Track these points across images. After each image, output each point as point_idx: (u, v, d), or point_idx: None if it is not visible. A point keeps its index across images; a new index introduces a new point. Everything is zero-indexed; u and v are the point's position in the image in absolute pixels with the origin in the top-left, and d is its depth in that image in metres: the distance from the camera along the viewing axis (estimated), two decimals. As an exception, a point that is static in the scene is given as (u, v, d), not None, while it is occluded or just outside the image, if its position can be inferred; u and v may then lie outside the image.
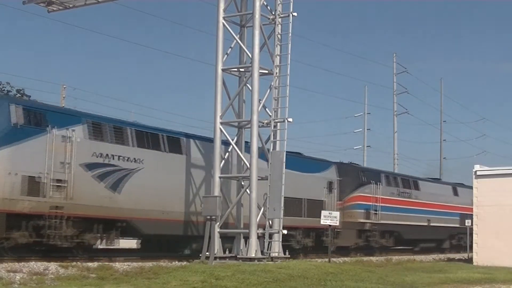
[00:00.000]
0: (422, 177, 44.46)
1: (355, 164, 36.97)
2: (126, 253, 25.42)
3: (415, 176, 43.32)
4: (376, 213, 34.69)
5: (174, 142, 24.51)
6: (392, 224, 36.26)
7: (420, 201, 39.51)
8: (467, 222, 33.58)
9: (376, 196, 35.05)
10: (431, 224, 40.36)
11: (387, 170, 40.73)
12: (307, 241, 29.81)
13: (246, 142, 23.50)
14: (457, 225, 42.89)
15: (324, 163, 32.75)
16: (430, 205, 40.50)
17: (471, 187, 45.28)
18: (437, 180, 45.35)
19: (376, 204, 34.88)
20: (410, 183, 39.65)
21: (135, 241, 27.71)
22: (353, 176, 34.24)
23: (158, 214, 23.37)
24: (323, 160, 33.39)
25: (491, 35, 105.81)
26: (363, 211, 33.87)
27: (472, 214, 41.93)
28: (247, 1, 23.49)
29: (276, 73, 22.93)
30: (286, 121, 22.67)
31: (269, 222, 22.45)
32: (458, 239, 43.86)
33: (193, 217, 24.53)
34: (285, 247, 23.33)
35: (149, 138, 23.56)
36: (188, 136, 25.52)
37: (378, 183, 35.52)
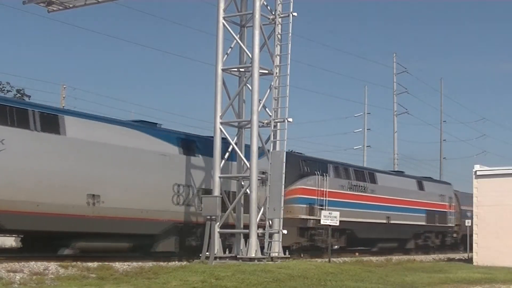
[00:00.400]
0: (381, 169, 40.02)
1: (296, 152, 32.22)
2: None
3: (371, 168, 38.82)
4: (322, 209, 29.47)
5: (49, 120, 20.26)
6: (342, 221, 31.08)
7: (377, 196, 35.33)
8: (467, 222, 33.57)
9: (322, 189, 30.91)
10: (391, 222, 36.31)
11: (336, 160, 35.83)
12: (233, 240, 24.22)
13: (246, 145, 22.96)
14: (423, 223, 40.03)
15: None
16: (390, 200, 36.43)
17: (440, 182, 44.97)
18: (399, 173, 41.10)
19: (322, 198, 30.80)
20: (365, 175, 35.26)
21: (13, 239, 24.20)
22: (293, 166, 28.94)
23: (28, 206, 19.31)
24: None
25: (491, 35, 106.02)
26: (305, 206, 29.85)
27: (440, 211, 42.04)
28: (247, 1, 23.49)
29: (276, 73, 22.94)
30: (286, 121, 22.67)
31: (269, 222, 22.47)
32: (425, 238, 40.48)
33: (76, 210, 20.61)
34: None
35: (13, 113, 19.23)
36: (69, 113, 21.74)
37: (325, 175, 31.32)
